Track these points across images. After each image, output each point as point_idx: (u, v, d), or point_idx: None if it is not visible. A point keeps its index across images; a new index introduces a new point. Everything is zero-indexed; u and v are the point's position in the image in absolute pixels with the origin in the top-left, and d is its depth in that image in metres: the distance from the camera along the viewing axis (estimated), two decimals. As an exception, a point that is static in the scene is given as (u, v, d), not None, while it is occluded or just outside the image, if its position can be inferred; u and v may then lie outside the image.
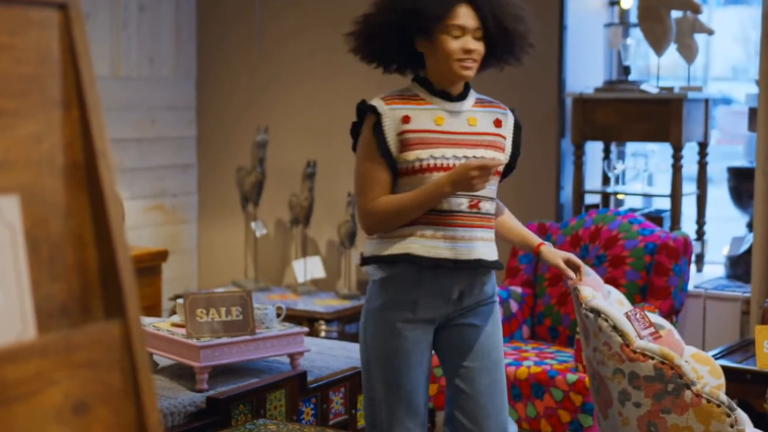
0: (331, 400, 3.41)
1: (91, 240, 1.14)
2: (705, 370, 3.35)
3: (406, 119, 2.79)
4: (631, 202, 5.49)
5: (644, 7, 4.90)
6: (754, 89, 4.72)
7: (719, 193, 5.24)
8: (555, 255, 2.95)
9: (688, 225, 5.13)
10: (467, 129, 2.82)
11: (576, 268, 2.99)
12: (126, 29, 5.64)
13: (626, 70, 5.10)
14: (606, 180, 5.25)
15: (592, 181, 5.28)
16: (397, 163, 2.78)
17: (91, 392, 1.04)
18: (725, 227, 5.42)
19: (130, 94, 5.70)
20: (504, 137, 2.89)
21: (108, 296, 1.12)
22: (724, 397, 3.02)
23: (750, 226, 4.90)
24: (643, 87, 4.92)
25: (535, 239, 2.97)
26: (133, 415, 1.07)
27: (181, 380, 3.27)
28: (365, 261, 2.83)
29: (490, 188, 2.82)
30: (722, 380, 3.36)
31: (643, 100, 4.87)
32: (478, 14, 2.75)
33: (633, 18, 5.29)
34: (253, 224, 5.69)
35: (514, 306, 4.56)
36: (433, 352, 2.89)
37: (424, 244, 2.74)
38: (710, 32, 5.02)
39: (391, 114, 2.82)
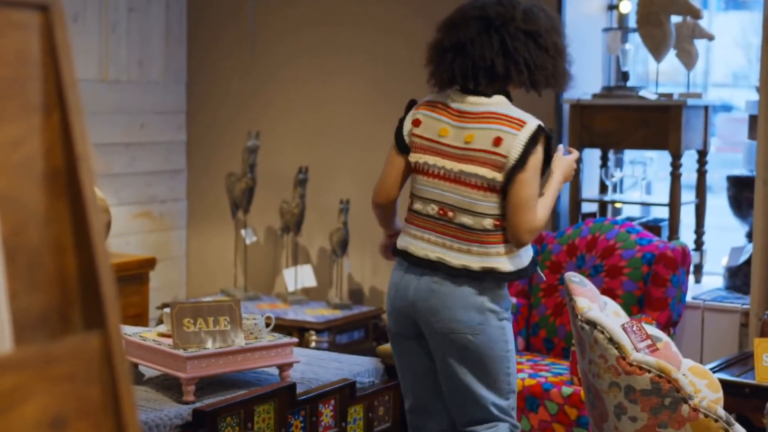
0: (320, 412, 3.39)
1: (71, 248, 1.12)
2: (703, 383, 3.34)
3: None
4: (629, 211, 5.49)
5: (643, 12, 4.90)
6: (755, 96, 4.72)
7: (718, 202, 5.24)
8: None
9: (687, 234, 5.13)
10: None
11: None
12: (115, 31, 5.63)
13: (625, 76, 5.10)
14: (603, 188, 5.25)
15: (590, 189, 5.28)
16: None
17: (70, 406, 1.03)
18: (724, 237, 5.41)
19: (119, 98, 5.69)
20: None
21: (88, 306, 1.10)
22: (722, 412, 3.01)
23: (749, 236, 4.90)
24: (642, 93, 4.92)
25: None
26: (112, 430, 1.06)
27: (167, 392, 3.24)
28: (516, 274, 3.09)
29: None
30: (720, 394, 3.35)
31: (641, 107, 4.87)
32: None
33: (632, 23, 5.28)
34: (243, 231, 5.67)
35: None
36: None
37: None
38: (710, 38, 5.02)
39: None
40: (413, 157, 3.13)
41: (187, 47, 6.08)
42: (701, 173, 5.12)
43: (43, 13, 1.16)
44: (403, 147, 3.15)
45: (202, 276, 6.12)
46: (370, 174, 5.63)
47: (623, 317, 3.33)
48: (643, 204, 5.26)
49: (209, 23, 6.04)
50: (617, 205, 5.33)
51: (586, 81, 5.25)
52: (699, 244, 5.10)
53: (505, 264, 3.05)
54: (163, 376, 3.37)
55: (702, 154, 5.10)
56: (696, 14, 4.90)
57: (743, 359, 4.21)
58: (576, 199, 5.03)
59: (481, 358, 3.06)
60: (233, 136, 5.93)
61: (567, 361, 4.36)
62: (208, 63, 6.05)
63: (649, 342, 3.11)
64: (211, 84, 6.05)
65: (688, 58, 5.03)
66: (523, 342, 4.63)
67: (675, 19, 4.95)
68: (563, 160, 3.16)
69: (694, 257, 4.98)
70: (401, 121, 3.19)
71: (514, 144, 3.01)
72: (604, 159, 5.24)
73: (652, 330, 3.30)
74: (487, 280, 3.05)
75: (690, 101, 4.83)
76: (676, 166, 4.83)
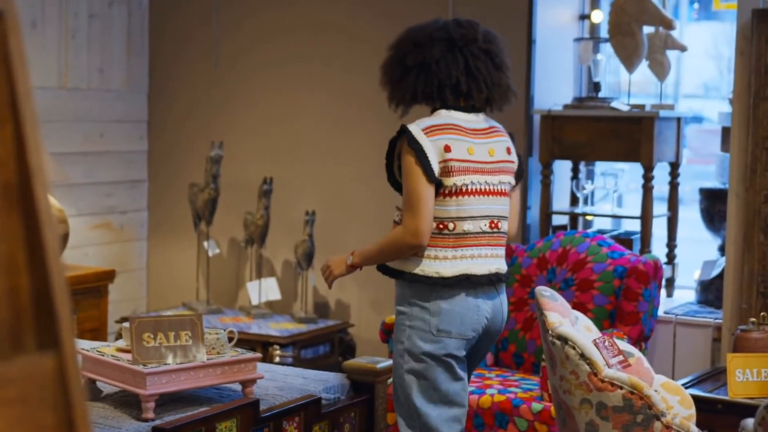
0: (284, 429, 3.37)
1: (24, 265, 1.10)
2: (675, 400, 3.35)
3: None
4: (599, 224, 5.50)
5: (615, 22, 4.92)
6: (727, 107, 4.75)
7: (689, 215, 5.26)
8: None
9: (658, 247, 5.14)
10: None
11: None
12: (75, 38, 5.59)
13: (596, 87, 5.12)
14: (574, 200, 5.26)
15: (560, 201, 5.29)
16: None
17: (21, 431, 1.01)
18: (696, 249, 5.44)
19: (79, 106, 5.65)
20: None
21: (41, 326, 1.08)
22: (695, 429, 3.02)
23: (722, 250, 4.92)
24: (614, 104, 4.93)
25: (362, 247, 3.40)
26: (66, 455, 1.03)
27: (126, 408, 3.21)
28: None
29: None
30: (693, 410, 3.36)
31: (613, 118, 4.88)
32: None
33: (603, 33, 5.30)
34: (205, 243, 5.64)
35: (477, 331, 4.54)
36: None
37: None
38: (683, 49, 5.05)
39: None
40: (455, 181, 3.14)
41: (150, 55, 6.04)
42: (673, 186, 5.14)
43: (-3, 19, 1.14)
44: (432, 176, 3.12)
45: (163, 289, 6.07)
46: (336, 185, 5.62)
47: (595, 332, 3.33)
48: (614, 217, 5.27)
49: (172, 30, 6.01)
50: (588, 217, 5.34)
51: (557, 91, 5.27)
52: (671, 257, 5.12)
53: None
54: (121, 393, 3.34)
55: (674, 167, 5.12)
56: (668, 25, 4.93)
57: (715, 374, 4.22)
58: (546, 212, 5.04)
59: None
60: (196, 146, 5.90)
61: (537, 376, 4.36)
62: (170, 71, 6.02)
63: (621, 357, 3.10)
64: (173, 92, 6.02)
65: (660, 69, 5.05)
66: (492, 357, 4.62)
67: (647, 29, 4.97)
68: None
69: (666, 271, 4.99)
70: (419, 152, 3.12)
71: (514, 150, 3.36)
72: (575, 171, 5.25)
73: (624, 345, 3.30)
74: None
75: (662, 113, 4.85)
76: (648, 178, 4.85)
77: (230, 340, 3.44)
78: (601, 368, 3.01)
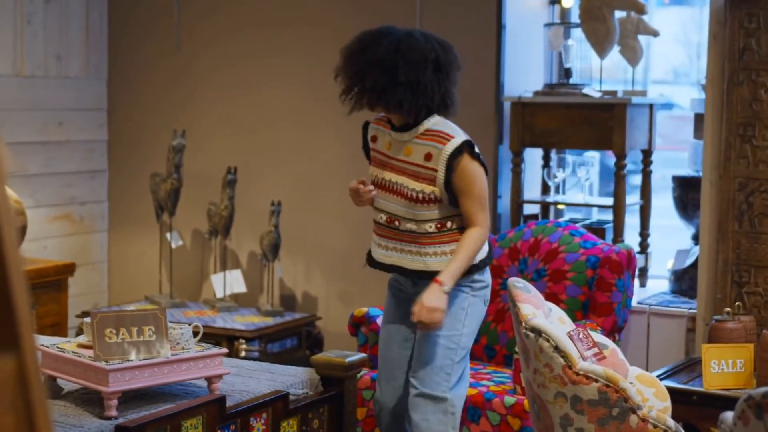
0: (252, 426, 3.34)
1: (-19, 261, 1.06)
2: (650, 392, 3.35)
3: (374, 138, 3.64)
4: (570, 213, 5.50)
5: (586, 7, 4.91)
6: (696, 93, 4.75)
7: (660, 203, 5.27)
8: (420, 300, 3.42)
9: (631, 236, 5.15)
10: (401, 157, 3.50)
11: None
12: (30, 24, 5.52)
13: (567, 73, 5.11)
14: (546, 189, 5.25)
15: (531, 190, 5.28)
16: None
17: (-21, 436, 0.97)
18: (668, 238, 5.45)
19: (35, 94, 5.58)
20: (434, 170, 3.42)
21: (-1, 326, 1.05)
22: (671, 422, 3.02)
23: (696, 239, 4.93)
24: (586, 91, 4.92)
25: (444, 270, 3.42)
26: (27, 460, 1.00)
27: (87, 406, 3.18)
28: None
29: (408, 211, 3.47)
30: (668, 403, 3.36)
31: (585, 105, 4.88)
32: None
33: (574, 18, 5.30)
34: (168, 235, 5.59)
35: (448, 323, 4.52)
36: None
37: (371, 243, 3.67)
38: (655, 34, 5.05)
39: (370, 131, 3.68)
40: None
41: (109, 40, 5.98)
42: (646, 173, 5.15)
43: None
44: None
45: (124, 282, 6.03)
46: (302, 174, 5.59)
47: (569, 324, 3.32)
48: (587, 205, 5.27)
49: (132, 15, 5.95)
50: (560, 206, 5.34)
51: (527, 78, 5.25)
52: (644, 246, 5.12)
53: None
54: (83, 390, 3.31)
55: (647, 154, 5.12)
56: (640, 9, 4.93)
57: (690, 365, 4.23)
58: (517, 201, 5.03)
59: None
60: (157, 135, 5.85)
61: (509, 369, 4.35)
62: (130, 57, 5.96)
63: (596, 350, 3.10)
64: (133, 79, 5.96)
65: (632, 55, 5.05)
66: (464, 350, 4.60)
67: (618, 14, 4.97)
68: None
69: (639, 260, 5.00)
70: (481, 158, 3.47)
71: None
72: (547, 159, 5.25)
73: (599, 337, 3.30)
74: None
75: (634, 99, 4.85)
76: (620, 166, 4.85)
77: (195, 334, 3.42)
78: (575, 361, 3.00)
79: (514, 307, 3.16)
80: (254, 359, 4.86)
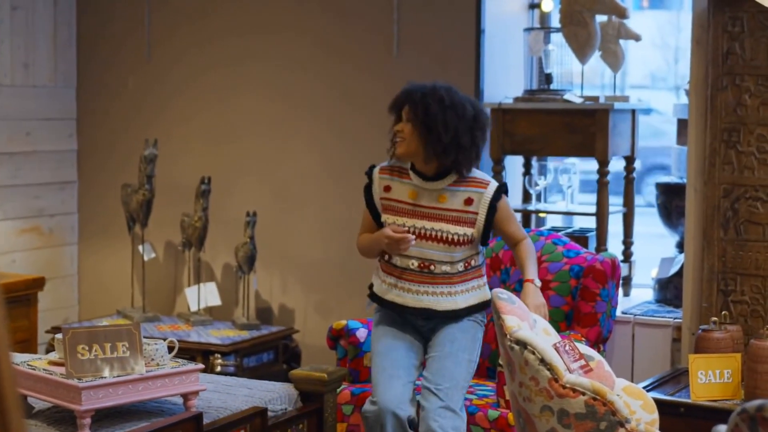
0: (229, 444, 3.32)
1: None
2: (638, 404, 3.34)
3: (387, 188, 3.84)
4: (551, 221, 5.49)
5: (567, 11, 4.91)
6: (675, 98, 4.75)
7: (643, 209, 5.27)
8: (524, 299, 3.68)
9: (614, 244, 5.14)
10: (435, 204, 3.75)
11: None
12: (-3, 31, 5.50)
13: (548, 78, 5.10)
14: (527, 197, 5.24)
15: (512, 198, 5.26)
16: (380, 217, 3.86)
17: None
18: (652, 245, 5.46)
19: (2, 104, 5.56)
20: (475, 213, 3.74)
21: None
22: (660, 435, 3.00)
23: (680, 246, 4.93)
24: (567, 97, 4.92)
25: (527, 273, 3.80)
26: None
27: (60, 425, 3.15)
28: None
29: (446, 254, 3.72)
30: (656, 415, 3.35)
31: (566, 111, 4.87)
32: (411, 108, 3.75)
33: (554, 22, 5.29)
34: (140, 247, 5.56)
35: (429, 335, 4.51)
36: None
37: (380, 287, 3.85)
38: (637, 38, 5.05)
39: (378, 181, 3.85)
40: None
41: (78, 47, 5.94)
42: (629, 180, 5.15)
43: None
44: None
45: (95, 296, 5.98)
46: (277, 184, 5.56)
47: (554, 336, 3.30)
48: (569, 213, 5.26)
49: (101, 22, 5.91)
50: (542, 214, 5.33)
51: (507, 84, 5.25)
52: (627, 255, 5.12)
53: None
54: (55, 409, 3.28)
55: (629, 161, 5.12)
56: (622, 13, 4.93)
57: (676, 376, 4.23)
58: (498, 209, 5.01)
59: None
60: (129, 145, 5.81)
61: (492, 382, 4.33)
62: (100, 66, 5.92)
63: (582, 362, 3.08)
64: (103, 88, 5.93)
65: (613, 60, 5.05)
66: (445, 362, 4.59)
67: (599, 18, 4.97)
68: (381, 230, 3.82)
69: (623, 269, 4.99)
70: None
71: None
72: (527, 166, 5.24)
73: (585, 349, 3.28)
74: None
75: (617, 105, 4.85)
76: (603, 173, 4.85)
77: (170, 350, 3.39)
78: (562, 374, 2.98)
79: (498, 318, 3.14)
80: (230, 374, 4.83)
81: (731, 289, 4.36)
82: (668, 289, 4.92)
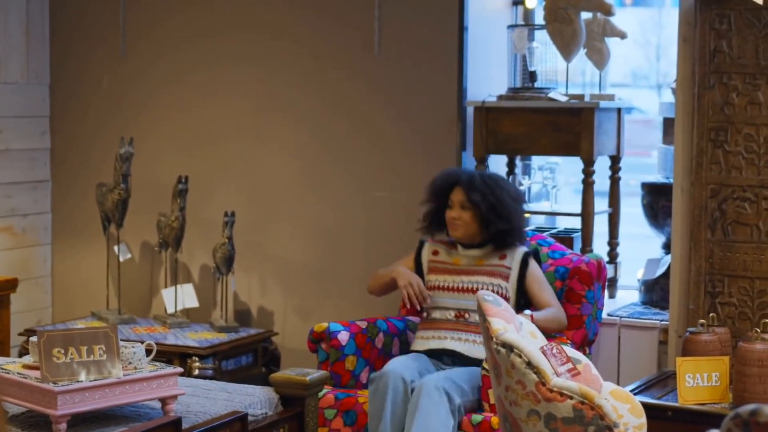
0: (209, 449, 3.30)
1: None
2: (625, 408, 3.33)
3: (435, 252, 4.50)
4: (535, 222, 5.49)
5: (551, 8, 4.90)
6: (657, 97, 4.75)
7: (628, 209, 5.27)
8: None
9: (599, 245, 5.14)
10: (475, 265, 4.36)
11: None
12: (-32, 26, 5.47)
13: (532, 76, 5.10)
14: (511, 197, 5.23)
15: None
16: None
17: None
18: (637, 246, 5.46)
19: (-26, 100, 5.52)
20: (509, 267, 4.32)
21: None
22: (649, 439, 3.00)
23: (666, 247, 4.94)
24: (552, 95, 4.92)
25: (535, 312, 4.20)
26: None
27: (35, 430, 3.14)
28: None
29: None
30: (643, 419, 3.34)
31: (551, 110, 4.87)
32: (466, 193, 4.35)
33: (538, 19, 5.29)
34: (115, 248, 5.53)
35: (411, 338, 4.50)
36: None
37: (419, 345, 4.37)
38: (622, 36, 5.06)
39: (428, 247, 4.52)
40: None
41: (51, 43, 5.91)
42: (614, 180, 5.15)
43: None
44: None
45: (70, 297, 5.95)
46: (255, 184, 5.54)
47: (540, 339, 3.30)
48: (554, 214, 5.26)
49: (75, 17, 5.88)
50: (526, 215, 5.32)
51: (491, 82, 5.25)
52: (613, 256, 5.12)
53: None
54: (30, 413, 3.27)
55: (615, 160, 5.12)
56: (607, 10, 4.93)
57: (663, 379, 4.23)
58: (482, 210, 5.00)
59: None
60: (104, 143, 5.78)
61: (476, 385, 4.33)
62: (74, 63, 5.89)
63: (570, 365, 3.08)
64: (77, 85, 5.89)
65: (598, 57, 5.06)
66: (428, 365, 4.58)
67: (585, 15, 4.97)
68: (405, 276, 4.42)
69: (608, 270, 4.99)
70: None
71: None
72: (512, 166, 5.24)
73: (572, 352, 3.28)
74: None
75: (602, 103, 4.85)
76: (588, 173, 4.85)
77: (148, 353, 3.38)
78: (549, 377, 2.98)
79: (483, 321, 3.14)
80: (208, 377, 4.81)
81: (719, 291, 4.37)
82: (655, 291, 4.93)
